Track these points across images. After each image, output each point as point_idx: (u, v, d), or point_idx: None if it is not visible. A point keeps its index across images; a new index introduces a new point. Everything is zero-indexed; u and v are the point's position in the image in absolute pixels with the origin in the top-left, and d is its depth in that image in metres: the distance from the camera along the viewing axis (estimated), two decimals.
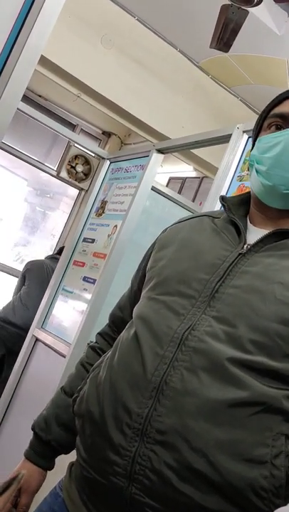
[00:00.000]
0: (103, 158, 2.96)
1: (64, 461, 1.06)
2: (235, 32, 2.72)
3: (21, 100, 1.56)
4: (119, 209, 2.60)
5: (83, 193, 4.78)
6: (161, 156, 2.53)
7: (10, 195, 5.26)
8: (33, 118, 2.80)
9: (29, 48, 1.39)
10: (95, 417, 0.87)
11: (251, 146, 1.05)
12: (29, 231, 5.32)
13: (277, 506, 0.77)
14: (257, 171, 0.96)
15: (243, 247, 0.93)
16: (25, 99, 4.27)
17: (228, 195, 1.13)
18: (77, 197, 4.95)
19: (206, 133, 2.20)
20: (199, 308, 0.86)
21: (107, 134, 5.20)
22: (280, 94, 1.00)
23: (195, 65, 4.01)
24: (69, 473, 0.97)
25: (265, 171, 0.93)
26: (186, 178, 5.09)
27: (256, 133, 1.03)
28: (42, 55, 1.69)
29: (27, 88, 1.62)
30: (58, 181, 4.84)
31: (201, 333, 0.83)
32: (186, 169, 4.91)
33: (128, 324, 0.98)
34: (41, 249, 5.21)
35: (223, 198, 1.04)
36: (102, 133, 5.21)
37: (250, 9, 2.64)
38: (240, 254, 0.91)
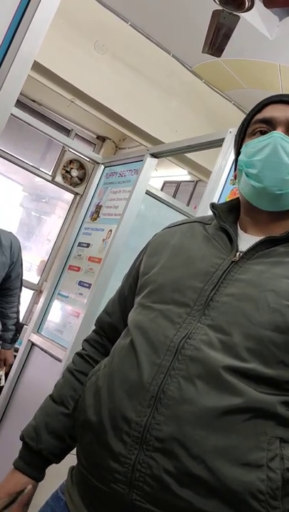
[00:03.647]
0: (98, 163, 2.97)
1: (64, 465, 1.05)
2: (227, 37, 2.74)
3: (16, 106, 1.57)
4: (113, 213, 2.61)
5: (78, 197, 4.80)
6: (155, 161, 2.54)
7: (5, 201, 5.26)
8: (27, 123, 2.81)
9: (22, 53, 1.40)
10: (94, 427, 0.88)
11: (235, 154, 1.06)
12: (25, 236, 5.32)
13: (275, 508, 0.78)
14: (247, 175, 0.96)
15: (236, 254, 0.93)
16: (20, 104, 4.28)
17: (221, 199, 1.14)
18: (72, 201, 4.96)
19: (199, 137, 2.21)
20: (194, 316, 0.87)
21: (102, 139, 5.22)
22: (261, 102, 1.02)
23: (188, 69, 4.03)
24: (70, 477, 0.98)
25: (256, 173, 0.94)
26: (181, 181, 5.11)
27: (240, 141, 1.05)
28: (35, 61, 1.70)
29: (21, 94, 1.63)
30: (53, 186, 4.85)
31: (196, 342, 0.84)
32: (180, 173, 4.93)
33: (124, 332, 0.98)
34: (37, 254, 5.21)
35: (213, 206, 1.05)
36: (97, 138, 5.23)
37: (241, 14, 2.66)
38: (232, 262, 0.92)
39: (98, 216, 2.74)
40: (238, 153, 1.03)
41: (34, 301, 4.78)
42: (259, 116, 1.00)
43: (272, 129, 0.96)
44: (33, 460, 1.04)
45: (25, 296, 4.71)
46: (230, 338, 0.83)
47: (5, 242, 2.62)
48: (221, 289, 0.88)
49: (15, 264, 2.72)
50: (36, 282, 4.86)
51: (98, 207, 2.79)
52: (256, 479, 0.78)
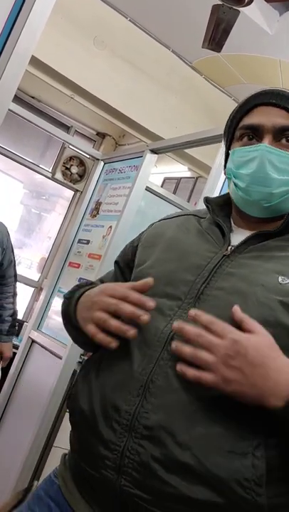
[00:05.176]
0: (97, 159, 2.96)
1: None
2: (226, 32, 2.73)
3: (15, 102, 1.57)
4: (113, 210, 2.60)
5: (78, 194, 4.78)
6: (154, 157, 2.53)
7: (5, 198, 5.25)
8: (26, 120, 2.80)
9: (20, 49, 1.39)
10: (86, 415, 0.90)
11: (224, 154, 1.06)
12: (25, 233, 5.31)
13: (260, 495, 0.79)
14: (236, 185, 0.98)
15: (227, 248, 0.95)
16: (19, 100, 4.27)
17: (221, 195, 1.14)
18: (72, 198, 4.95)
19: (199, 133, 2.20)
20: (185, 309, 0.88)
21: (102, 135, 5.20)
22: (247, 102, 1.01)
23: (188, 65, 4.02)
24: (63, 463, 0.99)
25: (245, 187, 0.96)
26: (181, 178, 5.09)
27: (228, 142, 1.05)
28: (34, 57, 1.69)
29: (20, 90, 1.62)
30: (53, 183, 4.84)
31: None
32: (180, 169, 4.91)
33: None
34: (37, 251, 5.21)
35: (207, 200, 1.06)
36: (97, 134, 5.21)
37: (241, 9, 2.65)
38: (224, 255, 0.94)
39: (98, 213, 2.74)
40: (227, 154, 1.05)
41: (34, 298, 4.77)
42: (247, 120, 0.99)
43: (260, 138, 0.96)
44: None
45: (25, 293, 4.70)
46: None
47: None
48: (211, 282, 0.90)
49: (5, 250, 2.63)
50: (36, 279, 4.85)
51: (98, 203, 2.78)
52: (241, 466, 0.79)
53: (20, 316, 3.80)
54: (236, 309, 0.83)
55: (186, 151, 3.83)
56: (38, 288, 4.80)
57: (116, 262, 1.15)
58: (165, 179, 5.30)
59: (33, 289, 4.83)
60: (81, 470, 0.91)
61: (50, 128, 2.91)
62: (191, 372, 0.79)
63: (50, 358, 2.55)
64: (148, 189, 2.70)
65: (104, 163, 2.92)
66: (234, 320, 0.83)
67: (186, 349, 0.80)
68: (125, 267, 1.12)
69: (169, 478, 0.80)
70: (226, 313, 0.85)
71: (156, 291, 0.93)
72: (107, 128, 5.02)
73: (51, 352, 2.56)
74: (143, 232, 1.14)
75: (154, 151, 2.51)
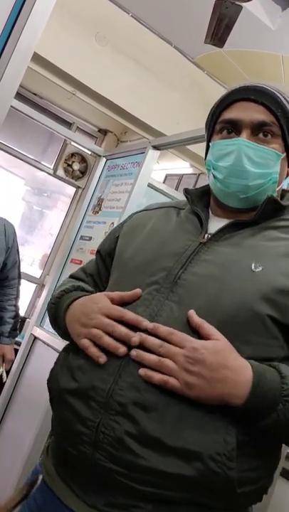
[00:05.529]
0: (99, 156, 2.95)
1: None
2: (229, 27, 2.71)
3: (16, 99, 1.56)
4: (115, 206, 2.60)
5: (80, 190, 4.78)
6: (157, 153, 2.53)
7: (7, 195, 5.25)
8: (28, 116, 2.79)
9: (22, 46, 1.39)
10: (65, 395, 0.94)
11: (205, 147, 1.10)
12: (27, 230, 5.31)
13: (230, 469, 0.83)
14: (214, 177, 1.03)
15: (204, 236, 1.00)
16: (21, 97, 4.26)
17: (201, 186, 1.19)
18: (74, 195, 4.94)
19: (201, 129, 2.17)
20: (163, 294, 0.93)
21: (103, 132, 5.19)
22: (227, 97, 1.04)
23: (190, 61, 4.00)
24: (46, 452, 1.05)
25: (222, 179, 1.01)
26: (183, 174, 5.08)
27: (209, 135, 1.09)
28: (36, 53, 1.68)
29: (22, 86, 1.61)
30: (54, 180, 4.84)
31: (163, 319, 0.90)
32: (182, 166, 4.90)
33: None
34: (39, 248, 5.21)
35: (186, 191, 1.11)
36: (98, 131, 5.20)
37: (243, 4, 2.63)
38: (201, 243, 0.98)
39: (100, 209, 2.73)
40: (207, 147, 1.08)
41: (36, 294, 4.77)
42: (226, 115, 1.03)
43: (238, 132, 1.00)
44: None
45: (28, 289, 4.71)
46: None
47: None
48: (188, 268, 0.95)
49: (10, 250, 2.60)
50: (38, 276, 4.86)
51: (100, 200, 2.78)
52: (213, 442, 0.83)
53: (22, 313, 3.80)
54: (192, 314, 0.87)
55: (189, 147, 3.81)
56: (40, 284, 4.80)
57: (98, 252, 1.20)
58: (167, 176, 5.29)
59: (35, 285, 4.84)
60: (61, 451, 0.95)
61: (51, 124, 2.90)
62: (158, 376, 0.84)
63: (52, 354, 2.55)
64: (150, 185, 2.69)
65: (107, 160, 2.91)
66: (192, 324, 0.87)
67: (151, 357, 0.85)
68: (106, 256, 1.16)
69: (142, 452, 0.84)
70: (201, 298, 0.90)
71: (134, 278, 0.99)
72: (109, 124, 5.01)
73: (53, 348, 2.56)
74: (123, 223, 1.19)
75: (156, 148, 2.50)
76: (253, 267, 0.92)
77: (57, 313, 1.07)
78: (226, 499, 0.86)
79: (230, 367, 0.83)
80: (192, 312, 0.87)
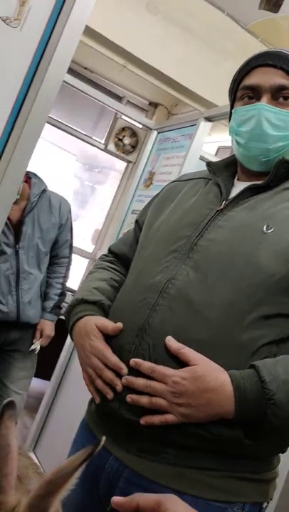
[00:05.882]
0: (150, 129, 2.94)
1: None
2: None
3: (67, 73, 1.56)
4: (167, 180, 2.58)
5: (131, 165, 4.78)
6: (209, 125, 2.48)
7: (59, 171, 5.32)
8: (80, 90, 2.80)
9: (73, 19, 1.39)
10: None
11: (229, 114, 1.15)
12: (79, 205, 5.38)
13: (247, 366, 0.89)
14: (237, 143, 1.07)
15: (222, 203, 1.04)
16: (71, 71, 4.26)
17: (226, 157, 1.21)
18: (125, 170, 4.95)
19: None
20: (180, 260, 0.99)
21: (154, 105, 5.14)
22: (247, 64, 1.08)
23: (243, 28, 3.87)
24: (89, 403, 1.15)
25: (244, 144, 1.05)
26: None
27: (232, 102, 1.14)
28: (87, 26, 1.67)
29: (73, 61, 1.61)
30: (105, 156, 4.85)
31: (179, 282, 0.96)
32: None
33: (128, 278, 1.13)
34: (91, 223, 5.28)
35: (208, 164, 1.16)
36: (149, 104, 5.15)
37: None
38: (218, 210, 1.03)
39: (151, 183, 2.73)
40: (230, 114, 1.13)
41: (89, 269, 4.86)
42: (247, 81, 1.07)
43: (258, 97, 1.04)
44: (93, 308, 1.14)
45: (80, 264, 4.79)
46: (206, 278, 0.95)
47: (54, 203, 2.55)
48: (204, 234, 1.00)
49: (63, 227, 2.61)
50: (91, 251, 4.93)
51: (151, 174, 2.77)
52: (246, 338, 0.91)
53: (75, 287, 3.88)
54: (169, 340, 0.91)
55: None
56: (92, 259, 4.88)
57: (136, 222, 1.28)
58: (219, 148, 5.19)
59: (87, 260, 4.92)
60: (99, 407, 1.04)
61: (102, 98, 2.90)
62: (157, 418, 0.90)
63: None
64: (202, 158, 2.66)
65: (158, 133, 2.89)
66: (170, 351, 0.91)
67: (144, 399, 0.91)
68: (142, 225, 1.22)
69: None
70: (214, 262, 0.96)
71: (159, 248, 1.05)
72: (160, 97, 4.94)
73: None
74: (157, 194, 1.26)
75: (208, 119, 2.46)
76: (264, 229, 0.95)
77: (68, 323, 1.13)
78: (245, 447, 0.91)
79: (211, 389, 0.87)
80: (169, 338, 0.91)
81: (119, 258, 1.28)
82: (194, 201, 1.10)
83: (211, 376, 0.88)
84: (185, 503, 0.57)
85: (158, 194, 1.25)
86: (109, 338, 1.01)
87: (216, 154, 4.98)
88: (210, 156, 2.87)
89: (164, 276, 0.98)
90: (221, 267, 0.94)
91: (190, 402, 0.88)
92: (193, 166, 2.47)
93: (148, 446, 0.95)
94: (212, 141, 5.03)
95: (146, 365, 0.92)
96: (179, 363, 0.91)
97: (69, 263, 2.74)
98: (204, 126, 2.45)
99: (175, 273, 0.97)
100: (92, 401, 1.13)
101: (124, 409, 0.95)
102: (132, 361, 0.93)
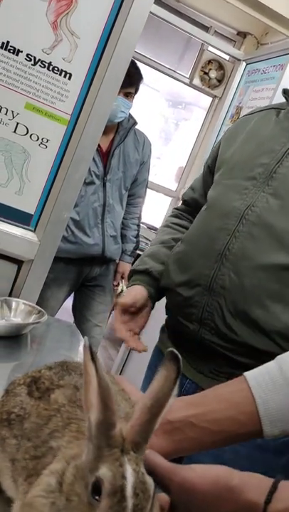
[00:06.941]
0: (238, 60, 2.81)
1: None
2: None
3: (154, 3, 1.52)
4: None
5: (216, 100, 4.61)
6: None
7: (144, 108, 5.26)
8: (165, 21, 2.71)
9: None
10: (173, 287, 1.09)
11: None
12: (162, 142, 5.33)
13: None
14: None
15: None
16: (157, 1, 4.10)
17: None
18: (210, 105, 4.79)
19: None
20: (259, 187, 1.01)
21: (242, 35, 4.85)
22: None
23: None
24: (161, 330, 1.23)
25: None
26: None
27: None
28: None
29: None
30: (189, 91, 4.71)
31: (259, 209, 0.98)
32: None
33: (203, 207, 1.16)
34: (175, 161, 5.23)
35: (285, 91, 1.14)
36: (237, 34, 4.87)
37: None
38: None
39: (239, 117, 2.64)
40: None
41: (173, 207, 4.87)
42: None
43: None
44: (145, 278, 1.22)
45: (164, 203, 4.80)
46: (286, 205, 0.96)
47: (139, 138, 2.54)
48: (284, 162, 1.00)
49: (144, 165, 2.60)
50: (174, 189, 4.92)
51: (238, 108, 2.67)
52: None
53: (158, 225, 3.91)
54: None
55: None
56: (176, 198, 4.88)
57: (208, 167, 1.28)
58: None
59: (171, 198, 4.92)
60: (175, 324, 1.10)
61: (188, 28, 2.79)
62: None
63: None
64: None
65: (247, 64, 2.76)
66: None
67: None
68: (212, 163, 1.24)
69: (238, 329, 0.96)
70: None
71: (234, 174, 1.07)
72: (249, 26, 4.65)
73: None
74: (228, 129, 1.28)
75: None
76: None
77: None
78: None
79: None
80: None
81: (189, 205, 1.32)
82: (269, 130, 1.10)
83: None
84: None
85: (228, 128, 1.27)
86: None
87: None
88: None
89: (243, 203, 1.00)
90: None
91: None
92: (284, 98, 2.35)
93: (222, 369, 1.00)
94: None
95: None
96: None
97: (143, 202, 2.74)
98: None
99: (254, 200, 0.99)
100: (163, 327, 1.21)
101: (204, 330, 1.00)
102: None
